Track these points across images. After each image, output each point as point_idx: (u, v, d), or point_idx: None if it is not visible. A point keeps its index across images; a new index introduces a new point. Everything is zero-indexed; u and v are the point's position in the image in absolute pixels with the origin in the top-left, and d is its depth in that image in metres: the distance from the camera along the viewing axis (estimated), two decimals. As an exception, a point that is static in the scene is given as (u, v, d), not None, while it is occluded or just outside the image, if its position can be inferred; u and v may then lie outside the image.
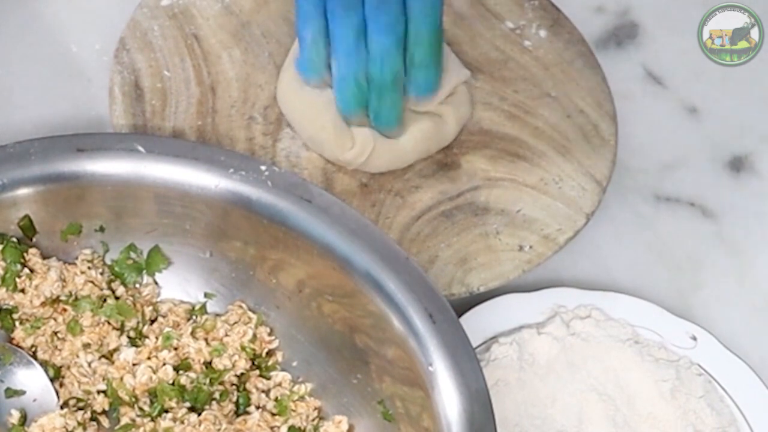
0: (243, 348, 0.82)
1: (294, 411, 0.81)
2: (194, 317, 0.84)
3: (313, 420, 0.82)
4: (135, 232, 0.83)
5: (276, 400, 0.82)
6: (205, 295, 0.85)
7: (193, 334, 0.82)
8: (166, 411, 0.80)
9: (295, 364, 0.83)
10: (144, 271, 0.84)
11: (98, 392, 0.81)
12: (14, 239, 0.82)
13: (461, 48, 0.99)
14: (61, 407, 0.80)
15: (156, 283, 0.85)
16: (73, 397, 0.81)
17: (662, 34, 1.08)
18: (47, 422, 0.78)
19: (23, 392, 0.80)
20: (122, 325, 0.82)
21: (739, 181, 1.02)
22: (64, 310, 0.82)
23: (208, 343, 0.82)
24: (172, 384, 0.80)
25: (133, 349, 0.81)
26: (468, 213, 0.91)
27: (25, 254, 0.81)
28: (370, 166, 0.92)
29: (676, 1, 1.10)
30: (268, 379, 0.83)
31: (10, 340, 0.82)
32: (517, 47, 1.00)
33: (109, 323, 0.82)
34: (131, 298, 0.83)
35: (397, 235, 0.89)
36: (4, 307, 0.82)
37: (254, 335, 0.82)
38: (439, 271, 0.88)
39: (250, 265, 0.83)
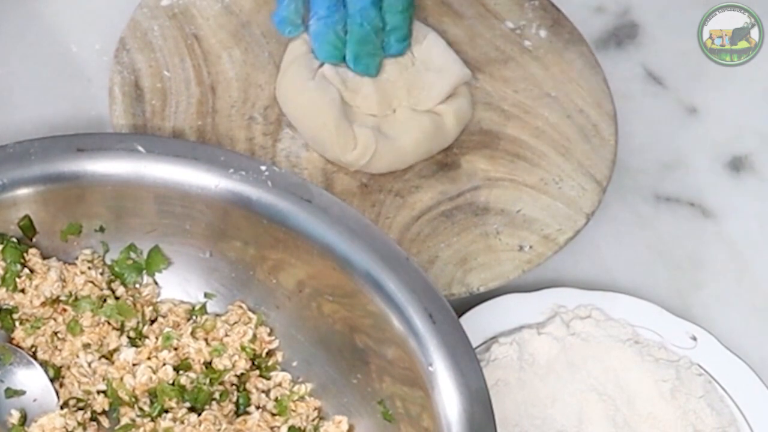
0: (243, 348, 0.82)
1: (294, 411, 0.81)
2: (194, 317, 0.84)
3: (313, 420, 0.82)
4: (135, 232, 0.83)
5: (276, 400, 0.82)
6: (205, 295, 0.85)
7: (193, 334, 0.82)
8: (166, 411, 0.80)
9: (295, 364, 0.83)
10: (144, 271, 0.84)
11: (98, 392, 0.81)
12: (14, 239, 0.81)
13: (461, 48, 0.99)
14: (61, 407, 0.80)
15: (156, 283, 0.85)
16: (73, 397, 0.81)
17: (662, 34, 1.08)
18: (47, 422, 0.78)
19: (23, 392, 0.80)
20: (122, 325, 0.82)
21: (739, 181, 1.02)
22: (64, 310, 0.82)
23: (208, 343, 0.82)
24: (172, 384, 0.80)
25: (133, 349, 0.81)
26: (468, 213, 0.91)
27: (25, 254, 0.81)
28: (371, 167, 0.92)
29: (676, 1, 1.10)
30: (268, 379, 0.83)
31: (10, 340, 0.82)
32: (517, 47, 1.00)
33: (109, 323, 0.82)
34: (131, 298, 0.83)
35: (397, 235, 0.89)
36: (4, 307, 0.82)
37: (254, 335, 0.82)
38: (439, 271, 0.88)
39: (250, 265, 0.83)
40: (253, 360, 0.83)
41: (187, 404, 0.80)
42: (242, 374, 0.82)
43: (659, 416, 0.85)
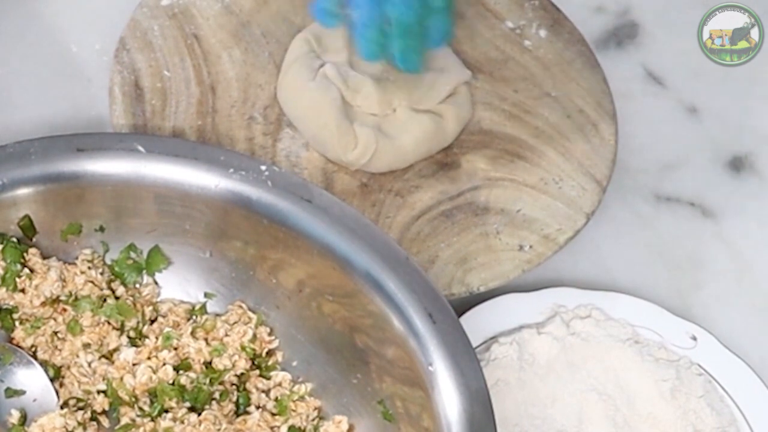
0: (243, 348, 0.82)
1: (294, 411, 0.81)
2: (194, 317, 0.84)
3: (313, 420, 0.82)
4: (135, 232, 0.83)
5: (276, 400, 0.82)
6: (205, 295, 0.85)
7: (193, 334, 0.82)
8: (166, 411, 0.80)
9: (295, 364, 0.83)
10: (144, 271, 0.84)
11: (98, 392, 0.81)
12: (14, 239, 0.81)
13: (461, 48, 0.99)
14: (61, 407, 0.80)
15: (156, 283, 0.85)
16: (73, 397, 0.81)
17: (662, 34, 1.08)
18: (47, 422, 0.78)
19: (23, 392, 0.80)
20: (122, 325, 0.82)
21: (739, 181, 1.02)
22: (64, 310, 0.82)
23: (208, 343, 0.82)
24: (172, 384, 0.80)
25: (133, 349, 0.81)
26: (468, 213, 0.91)
27: (25, 254, 0.81)
28: (372, 166, 0.92)
29: (676, 1, 1.10)
30: (268, 379, 0.83)
31: (10, 340, 0.82)
32: (517, 47, 1.00)
33: (109, 323, 0.82)
34: (131, 298, 0.83)
35: (397, 235, 0.89)
36: (4, 307, 0.82)
37: (254, 335, 0.82)
38: (439, 271, 0.88)
39: (250, 265, 0.83)
40: (253, 360, 0.83)
41: (187, 404, 0.80)
42: (242, 374, 0.82)
43: (659, 416, 0.85)
